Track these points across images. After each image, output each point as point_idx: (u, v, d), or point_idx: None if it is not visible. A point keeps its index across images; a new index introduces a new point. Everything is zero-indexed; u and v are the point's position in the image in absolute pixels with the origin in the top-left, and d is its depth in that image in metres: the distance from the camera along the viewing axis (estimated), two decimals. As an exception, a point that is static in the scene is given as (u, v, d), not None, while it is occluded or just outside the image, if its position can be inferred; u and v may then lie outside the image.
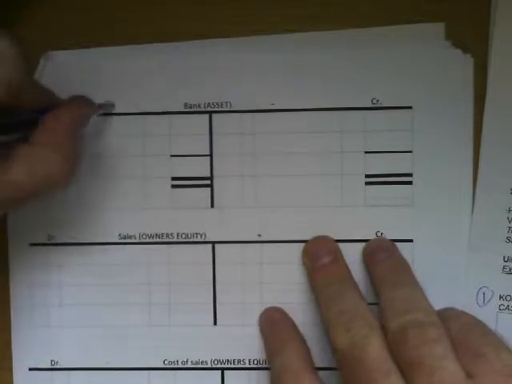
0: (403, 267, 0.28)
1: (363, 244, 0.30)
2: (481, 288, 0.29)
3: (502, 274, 0.29)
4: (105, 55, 0.30)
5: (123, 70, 0.30)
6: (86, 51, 0.30)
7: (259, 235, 0.30)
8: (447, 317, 0.25)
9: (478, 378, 0.22)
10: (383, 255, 0.29)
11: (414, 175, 0.30)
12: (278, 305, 0.30)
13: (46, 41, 0.30)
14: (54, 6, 0.31)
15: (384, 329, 0.25)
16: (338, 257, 0.29)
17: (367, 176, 0.30)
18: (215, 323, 0.30)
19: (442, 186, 0.29)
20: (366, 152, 0.30)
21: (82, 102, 0.27)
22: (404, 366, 0.23)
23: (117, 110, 0.30)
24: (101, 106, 0.29)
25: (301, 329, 0.29)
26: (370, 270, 0.29)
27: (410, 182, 0.30)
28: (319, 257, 0.29)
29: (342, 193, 0.30)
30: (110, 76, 0.30)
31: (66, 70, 0.30)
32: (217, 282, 0.30)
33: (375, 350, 0.24)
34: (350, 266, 0.29)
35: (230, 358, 0.30)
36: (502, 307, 0.29)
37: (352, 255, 0.30)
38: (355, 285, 0.28)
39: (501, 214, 0.29)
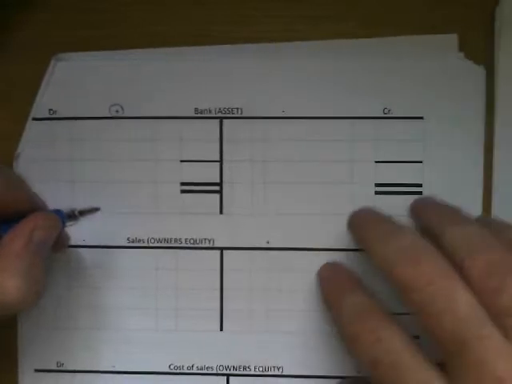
0: (461, 212, 0.27)
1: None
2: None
3: None
4: (115, 58, 0.30)
5: (134, 73, 0.30)
6: (96, 54, 0.30)
7: (268, 242, 0.30)
8: None
9: None
10: (433, 203, 0.28)
11: (423, 185, 0.30)
12: (285, 312, 0.30)
13: (52, 43, 0.30)
14: (61, 9, 0.31)
15: (458, 267, 0.23)
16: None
17: (377, 185, 0.30)
18: (221, 329, 0.30)
19: (452, 196, 0.29)
20: (376, 161, 0.30)
21: (43, 218, 0.26)
22: (501, 313, 0.21)
23: (127, 114, 0.30)
24: (82, 212, 0.28)
25: (308, 336, 0.30)
26: (422, 218, 0.28)
27: (420, 193, 0.30)
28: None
29: (352, 201, 0.30)
30: (120, 79, 0.30)
31: (76, 72, 0.30)
32: (224, 288, 0.30)
33: (461, 295, 0.22)
34: (363, 275, 0.29)
35: (236, 364, 0.30)
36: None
37: (363, 265, 0.30)
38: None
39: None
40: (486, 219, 0.27)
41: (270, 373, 0.30)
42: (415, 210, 0.29)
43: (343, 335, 0.25)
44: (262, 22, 0.30)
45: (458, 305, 0.22)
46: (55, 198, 0.30)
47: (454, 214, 0.26)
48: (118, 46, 0.30)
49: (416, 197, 0.29)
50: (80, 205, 0.30)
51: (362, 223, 0.28)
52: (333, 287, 0.28)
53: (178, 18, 0.30)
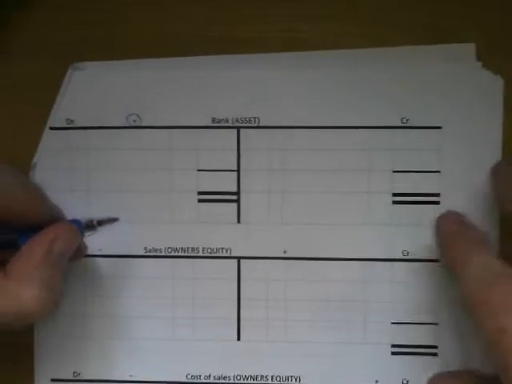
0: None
1: (389, 263, 0.30)
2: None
3: None
4: (132, 68, 0.30)
5: (151, 83, 0.30)
6: (113, 63, 0.30)
7: (285, 252, 0.30)
8: None
9: None
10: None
11: (441, 195, 0.30)
12: (302, 321, 0.30)
13: (52, 43, 0.30)
14: (61, 9, 0.31)
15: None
16: None
17: (394, 195, 0.30)
18: (239, 338, 0.30)
19: (470, 206, 0.29)
20: (393, 171, 0.30)
21: (63, 229, 0.26)
22: None
23: (144, 124, 0.30)
24: (100, 222, 0.28)
25: (325, 346, 0.30)
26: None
27: (437, 202, 0.30)
28: None
29: (369, 211, 0.30)
30: (138, 89, 0.30)
31: (93, 82, 0.30)
32: (241, 297, 0.30)
33: None
34: (377, 286, 0.29)
35: (253, 373, 0.30)
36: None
37: (377, 274, 0.30)
38: None
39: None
40: None
41: (287, 382, 0.30)
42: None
43: (469, 298, 0.24)
44: (262, 22, 0.30)
45: None
46: (72, 206, 0.30)
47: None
48: (118, 46, 0.30)
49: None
50: (96, 214, 0.30)
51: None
52: (459, 244, 0.27)
53: (178, 18, 0.30)
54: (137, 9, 0.30)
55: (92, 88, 0.30)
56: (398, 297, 0.30)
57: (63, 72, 0.30)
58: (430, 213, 0.30)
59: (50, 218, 0.27)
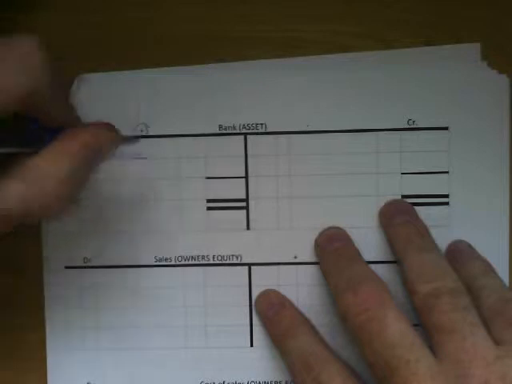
0: (425, 231, 0.28)
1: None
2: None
3: None
4: (139, 78, 0.30)
5: (158, 92, 0.30)
6: (119, 74, 0.30)
7: (295, 257, 0.30)
8: (483, 287, 0.26)
9: (508, 345, 0.23)
10: (403, 218, 0.29)
11: (450, 196, 0.30)
12: (315, 326, 0.30)
13: (53, 43, 0.30)
14: (62, 10, 0.30)
15: (410, 291, 0.26)
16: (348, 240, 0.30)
17: (403, 197, 0.30)
18: (252, 345, 0.30)
19: (479, 206, 0.29)
20: (402, 173, 0.30)
21: (103, 129, 0.25)
22: (434, 331, 0.24)
23: (152, 133, 0.30)
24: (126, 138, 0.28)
25: (338, 351, 0.29)
26: (389, 233, 0.29)
27: (446, 203, 0.30)
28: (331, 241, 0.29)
29: (378, 214, 0.30)
30: (145, 98, 0.30)
31: (100, 93, 0.30)
32: (253, 303, 0.30)
33: (392, 322, 0.24)
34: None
35: (267, 379, 0.30)
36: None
37: (387, 277, 0.29)
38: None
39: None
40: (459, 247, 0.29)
41: (302, 388, 0.30)
42: (383, 221, 0.30)
43: (293, 381, 0.27)
44: (262, 22, 0.30)
45: (388, 332, 0.24)
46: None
47: (418, 239, 0.28)
48: (119, 46, 0.30)
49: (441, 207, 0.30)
50: (104, 223, 0.30)
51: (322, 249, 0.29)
52: (277, 330, 0.29)
53: (178, 18, 0.30)
54: (137, 9, 0.30)
55: (99, 99, 0.30)
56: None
57: (69, 75, 0.30)
58: (440, 214, 0.30)
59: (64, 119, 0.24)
